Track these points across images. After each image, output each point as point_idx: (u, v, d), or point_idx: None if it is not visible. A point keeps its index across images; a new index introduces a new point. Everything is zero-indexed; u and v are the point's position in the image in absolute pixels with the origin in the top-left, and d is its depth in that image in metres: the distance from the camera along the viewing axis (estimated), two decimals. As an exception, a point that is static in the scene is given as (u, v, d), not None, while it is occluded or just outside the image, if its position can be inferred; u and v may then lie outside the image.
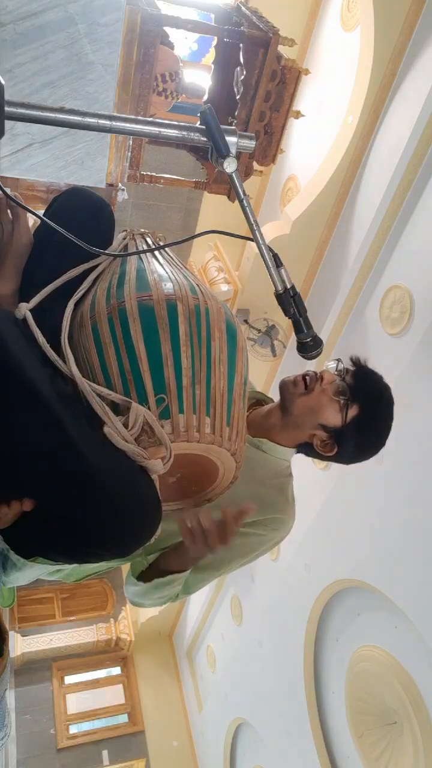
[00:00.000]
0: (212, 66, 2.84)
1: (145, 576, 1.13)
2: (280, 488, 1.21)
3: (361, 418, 1.14)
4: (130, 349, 0.84)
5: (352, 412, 1.13)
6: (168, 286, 0.89)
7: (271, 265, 0.95)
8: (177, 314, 0.86)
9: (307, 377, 1.17)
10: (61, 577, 1.22)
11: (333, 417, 1.14)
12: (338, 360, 1.20)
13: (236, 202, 0.91)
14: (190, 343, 0.86)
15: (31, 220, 1.02)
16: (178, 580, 1.10)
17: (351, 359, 1.19)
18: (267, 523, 1.17)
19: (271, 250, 0.94)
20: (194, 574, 1.16)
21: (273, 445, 1.21)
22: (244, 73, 2.48)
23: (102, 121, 0.77)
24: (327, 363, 1.21)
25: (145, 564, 1.15)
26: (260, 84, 2.50)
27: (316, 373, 1.17)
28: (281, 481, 1.22)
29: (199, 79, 3.05)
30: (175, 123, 0.81)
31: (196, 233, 1.12)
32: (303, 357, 1.06)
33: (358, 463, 1.23)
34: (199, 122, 0.81)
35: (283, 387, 1.20)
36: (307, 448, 1.22)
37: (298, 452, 1.25)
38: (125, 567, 1.21)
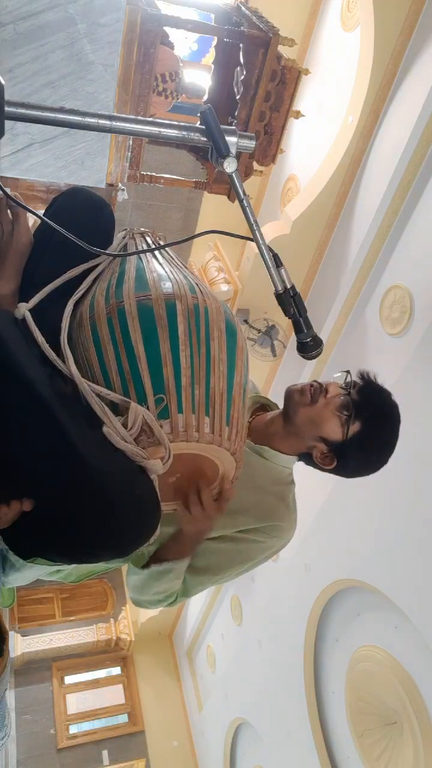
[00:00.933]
0: (212, 66, 2.84)
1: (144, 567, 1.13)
2: (280, 496, 1.20)
3: (362, 435, 1.12)
4: (129, 349, 0.84)
5: (354, 428, 1.11)
6: (167, 286, 0.89)
7: (271, 265, 0.95)
8: (176, 314, 0.86)
9: (312, 388, 1.16)
10: (60, 577, 1.22)
11: (334, 431, 1.13)
12: (347, 372, 1.18)
13: (236, 202, 0.91)
14: (189, 342, 0.86)
15: (31, 220, 1.02)
16: (175, 570, 1.09)
17: (360, 373, 1.17)
18: (267, 530, 1.16)
19: (271, 250, 0.94)
20: (193, 576, 1.15)
21: (274, 453, 1.20)
22: (244, 73, 2.48)
23: (102, 121, 0.77)
24: (335, 374, 1.20)
25: (146, 556, 1.14)
26: (260, 84, 2.50)
27: (321, 385, 1.16)
28: (282, 488, 1.21)
29: (199, 79, 3.05)
30: (175, 123, 0.81)
31: (196, 233, 1.12)
32: (303, 357, 1.05)
33: (359, 477, 1.22)
34: (199, 122, 0.81)
35: (289, 395, 1.19)
36: (307, 458, 1.21)
37: (299, 461, 1.24)
38: (125, 567, 1.20)
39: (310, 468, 1.23)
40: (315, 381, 1.17)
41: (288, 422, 1.17)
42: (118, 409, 0.82)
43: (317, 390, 1.15)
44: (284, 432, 1.19)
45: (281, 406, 1.23)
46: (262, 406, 1.34)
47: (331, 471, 1.19)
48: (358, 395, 1.13)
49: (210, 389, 0.86)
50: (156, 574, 1.08)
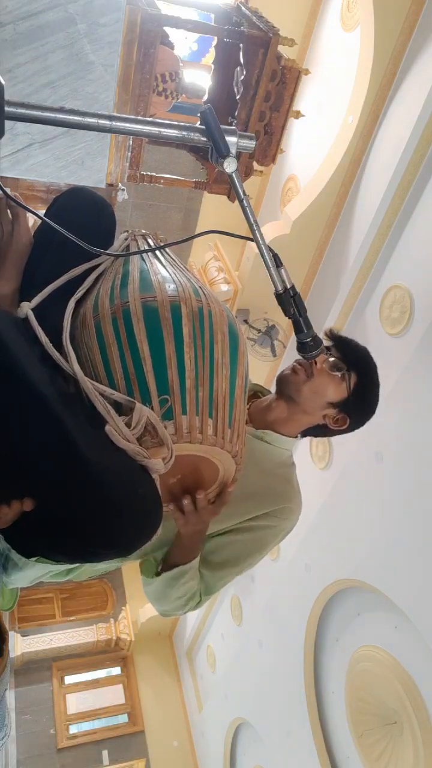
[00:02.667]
0: (212, 66, 2.84)
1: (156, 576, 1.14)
2: (286, 478, 1.24)
3: (360, 382, 1.20)
4: (134, 350, 0.84)
5: (353, 379, 1.19)
6: (171, 288, 0.89)
7: (271, 265, 0.95)
8: (181, 316, 0.86)
9: (302, 364, 1.21)
10: (73, 576, 1.22)
11: (338, 392, 1.19)
12: None
13: (236, 202, 0.91)
14: (193, 344, 0.86)
15: (31, 220, 1.02)
16: (187, 573, 1.11)
17: (326, 334, 1.23)
18: (277, 514, 1.19)
19: (271, 250, 0.94)
20: (213, 572, 1.17)
21: (277, 436, 1.23)
22: (244, 73, 2.48)
23: (102, 121, 0.77)
24: None
25: (156, 564, 1.16)
26: (260, 84, 2.50)
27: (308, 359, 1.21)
28: (286, 470, 1.25)
29: (199, 79, 3.05)
30: (175, 123, 0.81)
31: (196, 233, 1.12)
32: (303, 357, 1.06)
33: (364, 425, 1.28)
34: (199, 122, 0.81)
35: (284, 380, 1.22)
36: (317, 429, 1.26)
37: (304, 436, 1.28)
38: (125, 568, 1.21)
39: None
40: (299, 359, 1.21)
41: (292, 403, 1.22)
42: (121, 410, 0.82)
43: (307, 364, 1.20)
44: (289, 414, 1.23)
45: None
46: (254, 393, 1.38)
47: (344, 430, 1.24)
48: (339, 351, 1.21)
49: (214, 391, 0.87)
50: (169, 580, 1.10)
